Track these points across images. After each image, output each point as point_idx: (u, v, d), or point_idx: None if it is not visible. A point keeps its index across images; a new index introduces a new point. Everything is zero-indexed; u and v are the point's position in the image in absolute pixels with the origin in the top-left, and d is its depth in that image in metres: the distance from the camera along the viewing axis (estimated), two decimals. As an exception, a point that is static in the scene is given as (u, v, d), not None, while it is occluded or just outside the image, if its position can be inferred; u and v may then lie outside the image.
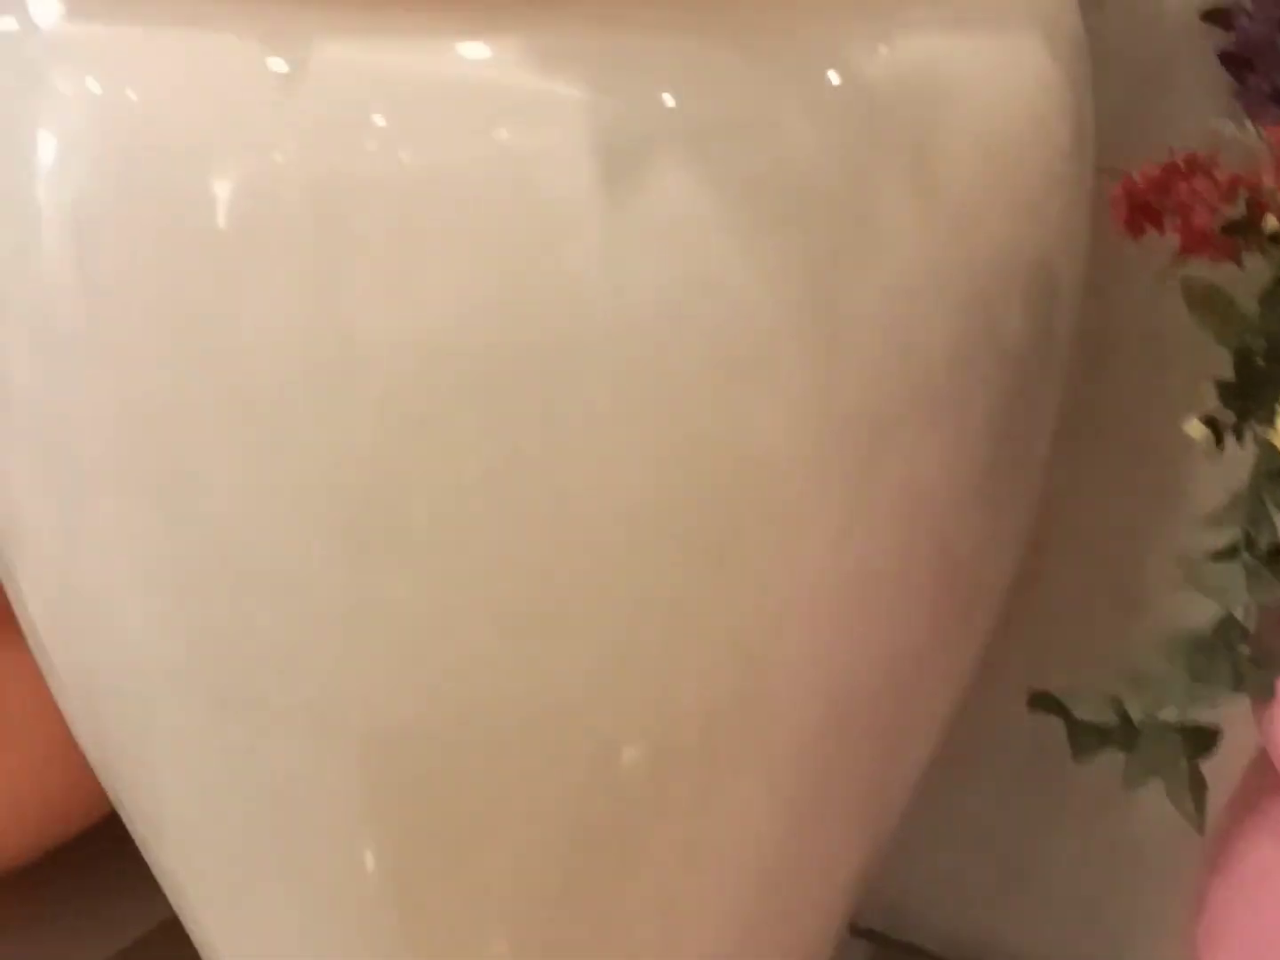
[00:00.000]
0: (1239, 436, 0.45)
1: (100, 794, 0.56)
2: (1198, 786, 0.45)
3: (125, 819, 0.55)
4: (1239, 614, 0.44)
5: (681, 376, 0.44)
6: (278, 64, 0.42)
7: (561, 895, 0.51)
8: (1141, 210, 0.45)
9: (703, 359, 0.44)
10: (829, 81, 0.43)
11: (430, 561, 0.45)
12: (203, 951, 0.57)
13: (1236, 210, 0.43)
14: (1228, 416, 0.45)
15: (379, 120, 0.42)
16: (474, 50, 0.42)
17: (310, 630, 0.47)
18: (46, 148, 0.45)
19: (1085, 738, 0.44)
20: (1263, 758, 0.46)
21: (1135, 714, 0.44)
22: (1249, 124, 0.43)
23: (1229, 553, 0.44)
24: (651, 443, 0.45)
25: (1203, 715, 0.44)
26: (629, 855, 0.51)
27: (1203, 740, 0.44)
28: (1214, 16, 0.58)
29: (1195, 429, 0.45)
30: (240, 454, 0.45)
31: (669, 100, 0.42)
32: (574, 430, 0.44)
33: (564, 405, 0.44)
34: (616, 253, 0.43)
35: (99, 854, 0.68)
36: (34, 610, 0.52)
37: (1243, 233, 0.44)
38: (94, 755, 0.54)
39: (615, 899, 0.52)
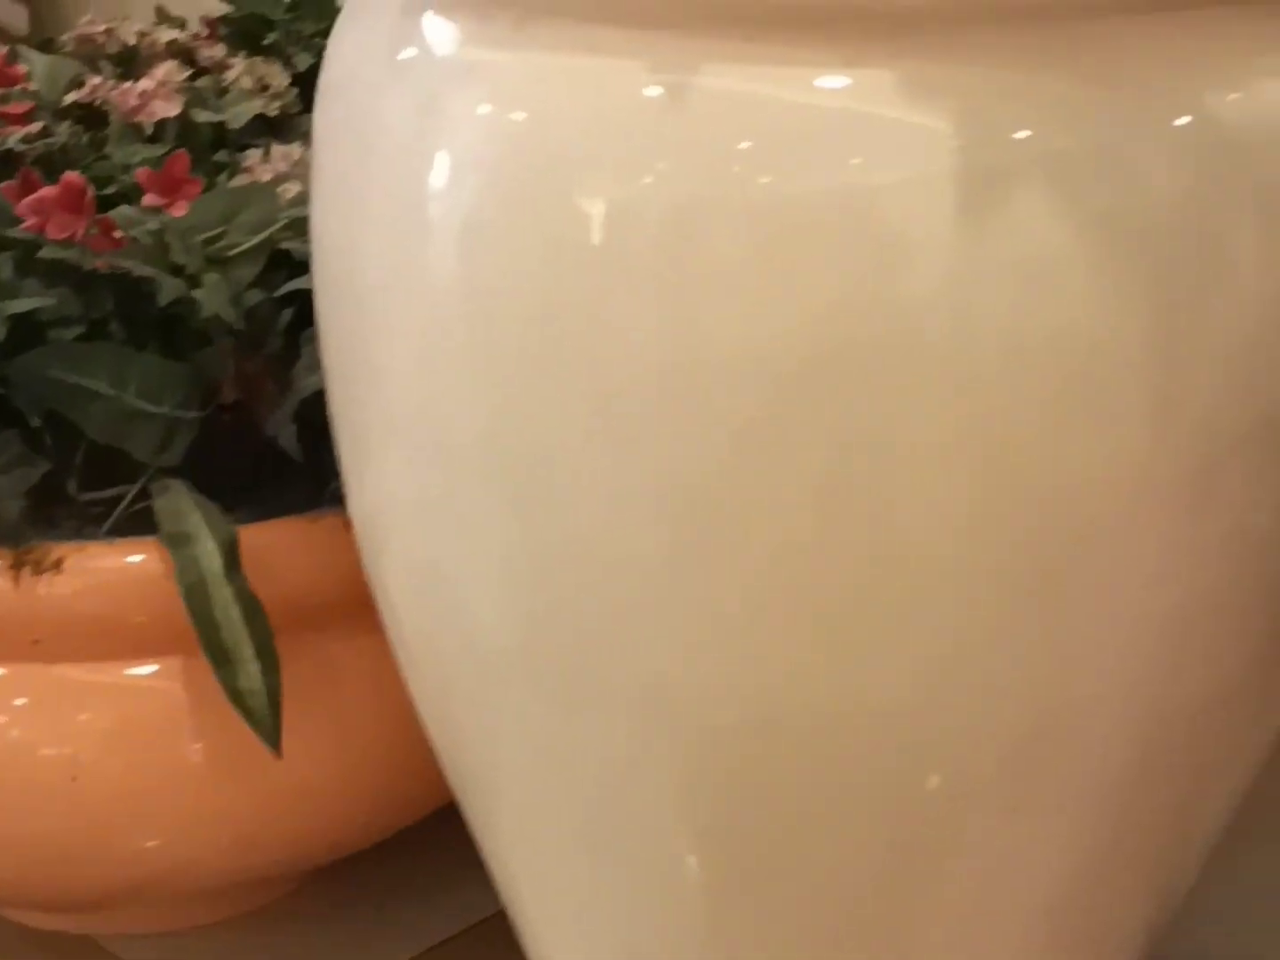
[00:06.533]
0: None
1: (437, 785, 0.59)
2: None
3: (462, 807, 0.58)
4: None
5: (1015, 404, 0.46)
6: (655, 90, 0.46)
7: (855, 916, 0.53)
8: None
9: (1038, 389, 0.46)
10: (1181, 121, 0.45)
11: (760, 564, 0.48)
12: (526, 944, 0.60)
13: None
14: None
15: (744, 145, 0.45)
16: (836, 81, 0.45)
17: (641, 622, 0.49)
18: (440, 168, 0.48)
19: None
20: None
21: None
22: None
23: None
24: (980, 465, 0.46)
25: None
26: (924, 882, 0.53)
27: None
28: None
29: None
30: (594, 450, 0.48)
31: (1024, 132, 0.44)
32: (904, 449, 0.46)
33: (896, 424, 0.46)
34: (960, 282, 0.45)
35: (434, 844, 0.72)
36: (394, 594, 0.55)
37: None
38: (438, 740, 0.57)
39: (906, 925, 0.53)
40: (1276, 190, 0.46)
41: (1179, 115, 0.45)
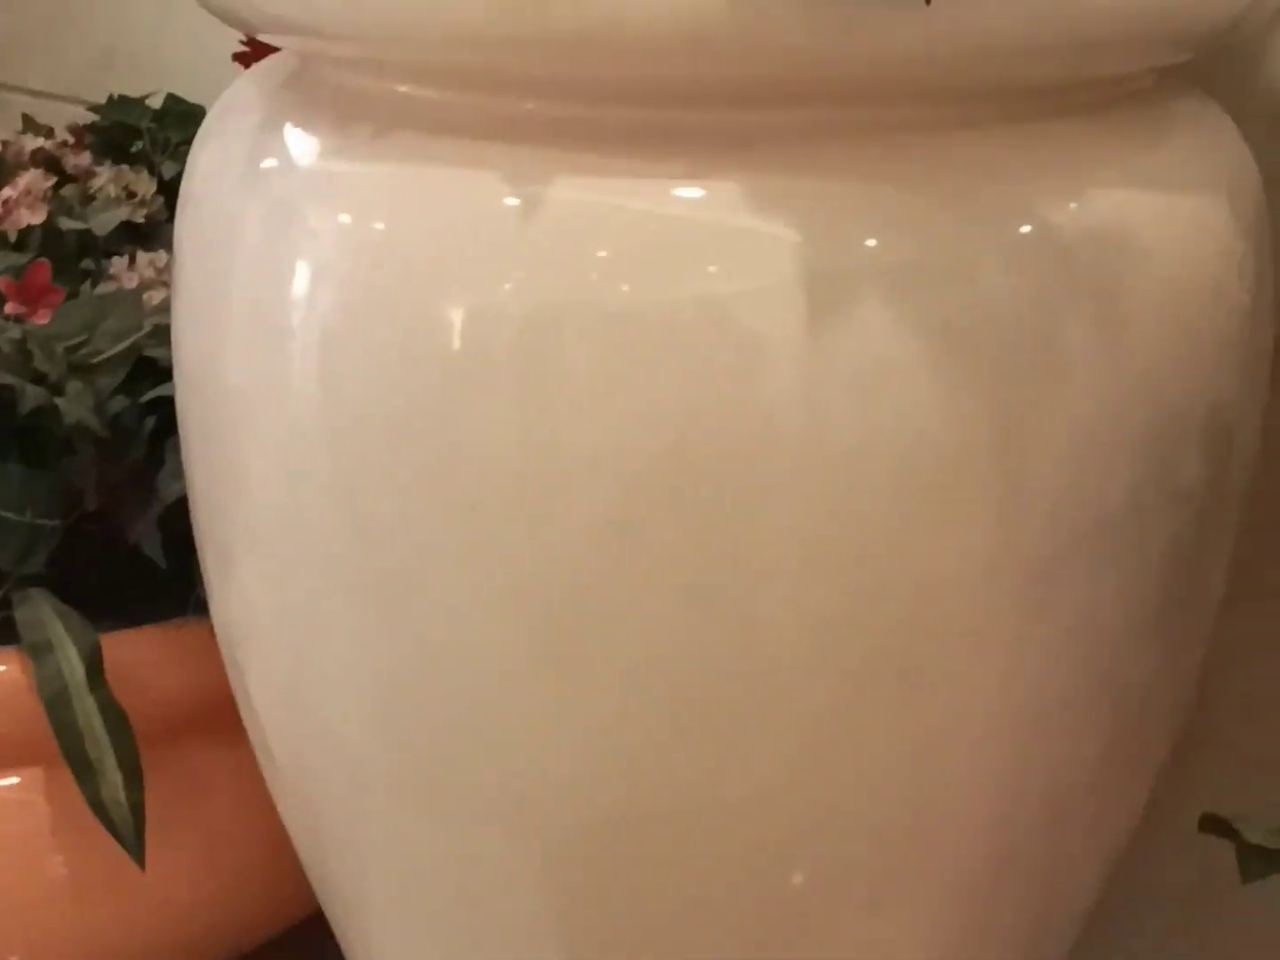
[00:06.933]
0: None
1: (304, 894, 0.59)
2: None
3: (329, 916, 0.58)
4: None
5: (868, 506, 0.47)
6: (512, 200, 0.46)
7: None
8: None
9: (889, 490, 0.47)
10: (1021, 231, 0.46)
11: (622, 666, 0.48)
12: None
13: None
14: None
15: (602, 254, 0.46)
16: (690, 192, 0.46)
17: (505, 729, 0.50)
18: (300, 278, 0.49)
19: (1254, 860, 0.46)
20: None
21: (1304, 841, 0.46)
22: None
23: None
24: (835, 567, 0.47)
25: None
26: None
27: (1370, 870, 0.46)
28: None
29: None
30: (456, 560, 0.48)
31: (871, 242, 0.46)
32: (763, 550, 0.47)
33: (755, 526, 0.47)
34: (813, 387, 0.46)
35: (303, 953, 0.72)
36: (259, 706, 0.55)
37: None
38: (305, 850, 0.57)
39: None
40: (1111, 298, 0.47)
41: (1019, 225, 0.46)
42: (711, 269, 0.46)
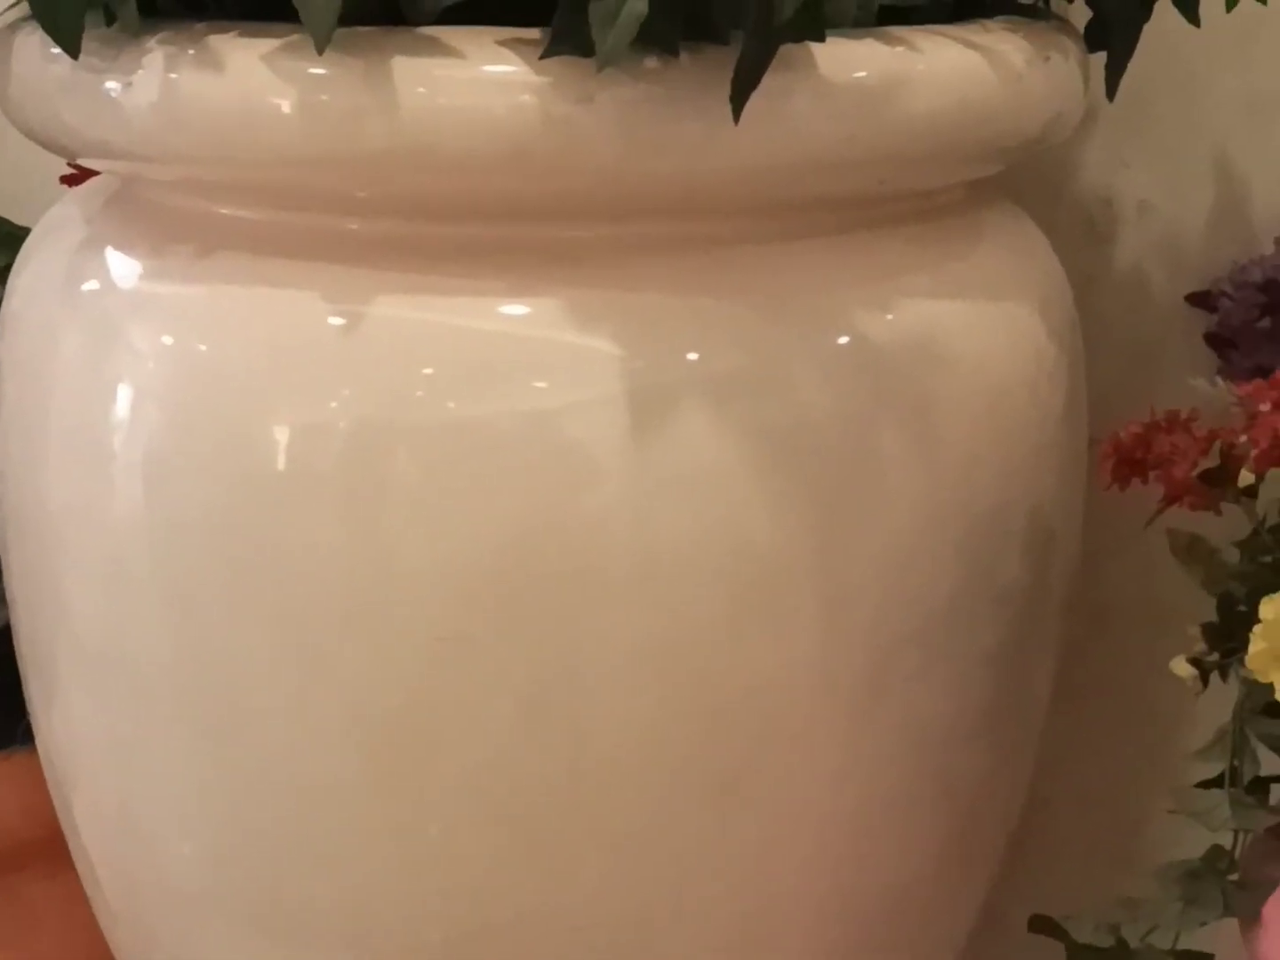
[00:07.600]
0: (1224, 676, 0.49)
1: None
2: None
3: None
4: (1226, 841, 0.47)
5: (695, 612, 0.47)
6: (336, 319, 0.47)
7: None
8: (1127, 463, 0.49)
9: (715, 597, 0.47)
10: (837, 340, 0.47)
11: (455, 780, 0.48)
12: None
13: (1213, 462, 0.47)
14: (1213, 657, 0.49)
15: (427, 370, 0.46)
16: (514, 309, 0.46)
17: (339, 849, 0.49)
18: (122, 399, 0.48)
19: (1084, 959, 0.46)
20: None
21: (1131, 938, 0.46)
22: (1220, 381, 0.47)
23: (1216, 782, 0.47)
24: (665, 672, 0.48)
25: (1195, 939, 0.46)
26: None
27: (1195, 964, 0.46)
28: (1198, 299, 0.62)
29: (1182, 668, 0.49)
30: (284, 679, 0.48)
31: (692, 355, 0.46)
32: (593, 658, 0.47)
33: (585, 636, 0.47)
34: (639, 497, 0.47)
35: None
36: (86, 836, 0.54)
37: (1220, 483, 0.48)
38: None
39: None
40: (925, 405, 0.48)
41: (836, 335, 0.47)
42: (537, 384, 0.46)
